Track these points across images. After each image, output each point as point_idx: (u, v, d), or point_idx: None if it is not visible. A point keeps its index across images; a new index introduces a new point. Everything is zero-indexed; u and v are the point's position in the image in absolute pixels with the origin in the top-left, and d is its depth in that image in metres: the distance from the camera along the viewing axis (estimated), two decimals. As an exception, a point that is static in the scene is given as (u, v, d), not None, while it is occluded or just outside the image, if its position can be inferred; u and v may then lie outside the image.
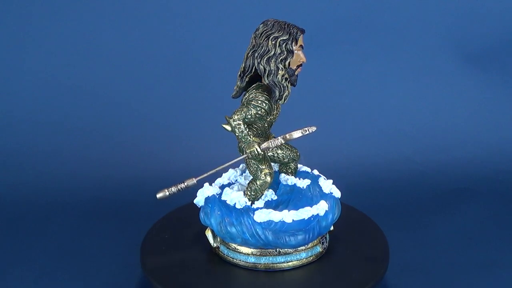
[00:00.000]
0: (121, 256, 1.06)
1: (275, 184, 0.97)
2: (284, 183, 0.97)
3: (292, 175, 0.99)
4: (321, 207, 0.91)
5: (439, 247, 1.09)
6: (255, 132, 0.91)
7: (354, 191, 1.27)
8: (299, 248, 0.92)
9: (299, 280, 0.91)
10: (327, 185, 0.96)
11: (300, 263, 0.93)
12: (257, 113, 0.88)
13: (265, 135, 0.93)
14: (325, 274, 0.92)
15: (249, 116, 0.88)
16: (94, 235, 1.13)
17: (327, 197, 0.94)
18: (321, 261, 0.95)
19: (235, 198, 0.93)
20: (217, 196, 0.95)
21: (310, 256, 0.94)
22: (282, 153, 0.96)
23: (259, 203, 0.92)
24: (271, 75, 0.86)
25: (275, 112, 0.91)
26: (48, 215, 1.20)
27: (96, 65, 1.43)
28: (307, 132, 0.88)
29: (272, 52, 0.85)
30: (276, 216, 0.89)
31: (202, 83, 1.43)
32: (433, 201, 1.25)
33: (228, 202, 0.93)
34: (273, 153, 0.95)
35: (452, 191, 1.29)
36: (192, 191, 0.97)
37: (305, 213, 0.90)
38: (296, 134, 0.88)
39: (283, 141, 0.89)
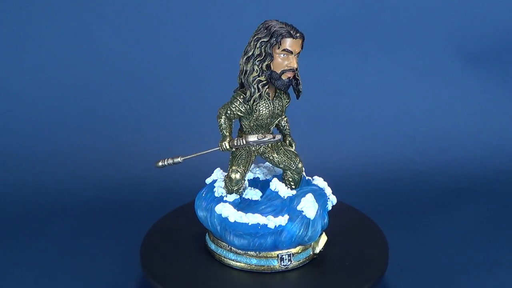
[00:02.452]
0: (121, 256, 1.06)
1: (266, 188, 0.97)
2: (270, 187, 0.96)
3: (288, 184, 0.96)
4: (275, 220, 0.89)
5: (439, 247, 1.09)
6: (244, 129, 0.93)
7: (354, 191, 1.27)
8: (249, 252, 0.92)
9: (297, 279, 0.91)
10: (303, 203, 0.91)
11: (249, 267, 0.92)
12: (234, 111, 0.89)
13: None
14: (324, 274, 0.92)
15: (229, 112, 0.89)
16: (94, 235, 1.13)
17: (295, 213, 0.90)
18: (320, 260, 0.95)
19: (217, 185, 0.95)
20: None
21: (261, 266, 0.92)
22: (278, 158, 0.95)
23: (230, 197, 0.93)
24: (246, 75, 0.86)
25: (260, 113, 0.90)
26: (48, 215, 1.20)
27: (96, 65, 1.43)
28: (265, 138, 0.87)
29: (251, 53, 0.86)
30: (225, 211, 0.90)
31: (202, 83, 1.43)
32: (433, 201, 1.25)
33: None
34: (268, 155, 0.95)
35: (452, 191, 1.29)
36: (191, 193, 0.98)
37: (251, 218, 0.89)
38: (252, 138, 0.88)
39: (244, 142, 0.89)
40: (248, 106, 0.89)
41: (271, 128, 0.94)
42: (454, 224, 1.17)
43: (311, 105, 1.42)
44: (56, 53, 1.43)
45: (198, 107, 1.41)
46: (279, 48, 0.85)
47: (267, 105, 0.90)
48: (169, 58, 1.44)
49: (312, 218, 0.90)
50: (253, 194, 0.95)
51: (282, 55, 0.85)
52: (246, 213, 0.90)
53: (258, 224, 0.89)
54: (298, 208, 0.90)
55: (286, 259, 0.92)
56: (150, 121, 1.42)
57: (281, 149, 0.95)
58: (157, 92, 1.44)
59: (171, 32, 1.44)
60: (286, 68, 0.86)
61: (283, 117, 0.96)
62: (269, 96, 0.89)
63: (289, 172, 0.96)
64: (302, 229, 0.90)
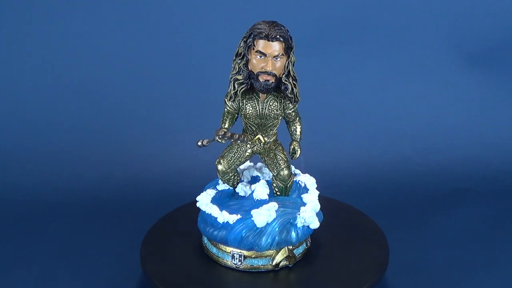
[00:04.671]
0: (121, 256, 1.06)
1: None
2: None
3: (274, 190, 0.95)
4: (225, 216, 0.91)
5: (439, 247, 1.09)
6: (243, 126, 0.94)
7: (354, 191, 1.27)
8: (211, 240, 0.95)
9: (296, 278, 0.91)
10: (258, 209, 0.90)
11: (209, 254, 0.96)
12: (227, 106, 0.90)
13: (253, 134, 0.93)
14: (323, 274, 0.92)
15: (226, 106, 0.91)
16: (94, 235, 1.13)
17: (248, 217, 0.90)
18: (319, 260, 0.95)
19: None
20: None
21: (218, 257, 0.94)
22: (267, 161, 0.94)
23: (221, 186, 0.97)
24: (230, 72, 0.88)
25: (246, 112, 0.90)
26: (48, 215, 1.20)
27: (97, 65, 1.43)
28: (226, 135, 0.88)
29: (236, 51, 0.87)
30: (200, 197, 0.95)
31: (202, 83, 1.43)
32: (433, 201, 1.25)
33: None
34: (262, 157, 0.95)
35: (452, 191, 1.29)
36: (192, 193, 0.98)
37: (208, 208, 0.93)
38: (218, 132, 0.89)
39: (218, 136, 0.89)
40: (235, 103, 0.89)
41: (271, 131, 0.93)
42: (454, 224, 1.17)
43: (310, 105, 1.41)
44: (57, 54, 1.43)
45: (198, 107, 1.41)
46: (253, 49, 0.84)
47: (254, 104, 0.90)
48: (169, 58, 1.44)
49: (259, 226, 0.90)
50: (241, 189, 0.97)
51: (258, 57, 0.85)
52: (209, 202, 0.93)
53: (211, 215, 0.92)
54: (252, 212, 0.90)
55: (236, 258, 0.92)
56: (150, 121, 1.42)
57: (272, 152, 0.94)
58: (158, 92, 1.44)
59: (171, 33, 1.44)
60: (261, 70, 0.85)
61: (294, 121, 0.94)
62: (258, 96, 0.89)
63: (274, 179, 0.95)
64: (249, 234, 0.90)
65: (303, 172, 1.00)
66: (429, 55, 1.49)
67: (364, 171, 1.35)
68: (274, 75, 0.85)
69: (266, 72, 0.85)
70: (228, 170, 0.94)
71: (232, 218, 0.90)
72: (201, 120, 1.36)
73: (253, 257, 0.92)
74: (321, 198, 0.98)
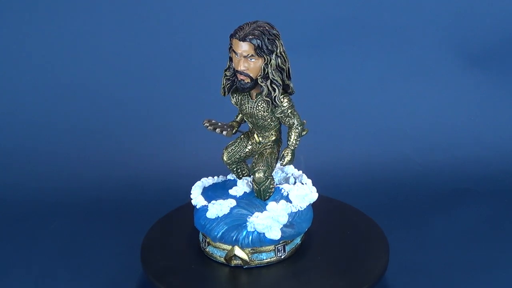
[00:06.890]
0: (121, 256, 1.06)
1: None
2: None
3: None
4: (197, 199, 0.95)
5: (439, 247, 1.09)
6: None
7: (354, 191, 1.27)
8: None
9: (295, 278, 0.91)
10: (213, 203, 0.93)
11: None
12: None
13: (251, 132, 0.94)
14: (323, 273, 0.92)
15: None
16: (94, 235, 1.13)
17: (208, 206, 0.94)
18: (319, 259, 0.95)
19: None
20: None
21: (198, 238, 0.98)
22: (253, 160, 0.95)
23: (230, 176, 1.01)
24: None
25: (241, 108, 0.91)
26: (48, 215, 1.20)
27: (97, 65, 1.43)
28: (206, 123, 0.91)
29: None
30: (203, 179, 1.00)
31: (202, 83, 1.43)
32: (433, 201, 1.25)
33: None
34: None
35: (452, 191, 1.29)
36: (189, 194, 0.98)
37: (193, 189, 0.97)
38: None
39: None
40: (234, 99, 0.92)
41: (266, 132, 0.92)
42: (454, 224, 1.17)
43: (311, 105, 1.41)
44: (57, 54, 1.43)
45: (198, 107, 1.41)
46: (231, 47, 0.86)
47: (246, 102, 0.90)
48: (169, 58, 1.44)
49: (208, 217, 0.93)
50: (239, 183, 0.99)
51: (235, 56, 0.85)
52: (198, 185, 0.98)
53: (190, 194, 0.97)
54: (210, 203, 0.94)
55: (203, 242, 0.96)
56: (150, 122, 1.42)
57: (258, 151, 0.93)
58: (158, 92, 1.44)
59: (171, 32, 1.44)
60: (237, 68, 0.86)
61: (291, 127, 0.90)
62: (249, 95, 0.90)
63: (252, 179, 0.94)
64: (206, 223, 0.93)
65: (303, 171, 1.00)
66: (429, 55, 1.48)
67: (364, 171, 1.35)
68: (248, 76, 0.85)
69: (238, 71, 0.85)
70: (229, 162, 0.96)
71: (201, 204, 0.94)
72: (201, 120, 1.36)
73: (213, 246, 0.94)
74: (321, 198, 0.98)
